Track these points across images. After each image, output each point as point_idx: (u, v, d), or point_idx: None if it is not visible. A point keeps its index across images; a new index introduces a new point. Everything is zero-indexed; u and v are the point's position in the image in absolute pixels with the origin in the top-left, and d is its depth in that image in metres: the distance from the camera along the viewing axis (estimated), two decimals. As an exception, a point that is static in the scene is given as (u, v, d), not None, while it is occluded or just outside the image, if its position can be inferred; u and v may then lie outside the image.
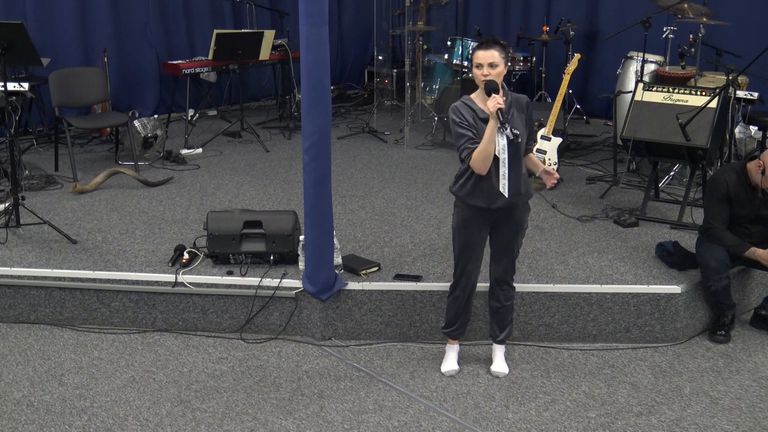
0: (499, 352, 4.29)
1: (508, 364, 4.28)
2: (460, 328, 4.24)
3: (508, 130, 3.70)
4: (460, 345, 4.35)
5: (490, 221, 3.99)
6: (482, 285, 4.34)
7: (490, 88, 3.70)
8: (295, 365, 4.34)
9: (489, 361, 4.30)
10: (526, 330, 4.57)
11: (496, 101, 3.64)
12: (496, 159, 3.77)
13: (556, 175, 3.97)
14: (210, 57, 7.95)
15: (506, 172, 3.77)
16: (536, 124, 6.44)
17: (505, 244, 4.06)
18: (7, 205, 5.44)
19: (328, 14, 4.13)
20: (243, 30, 8.87)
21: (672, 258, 4.82)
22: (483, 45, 3.77)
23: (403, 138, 7.95)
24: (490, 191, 3.84)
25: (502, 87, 3.78)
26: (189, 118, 8.08)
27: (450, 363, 4.27)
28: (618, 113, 6.90)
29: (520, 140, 3.75)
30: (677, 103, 5.67)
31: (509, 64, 3.84)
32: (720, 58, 6.56)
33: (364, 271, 4.68)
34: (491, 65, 3.71)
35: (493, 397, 4.04)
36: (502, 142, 3.74)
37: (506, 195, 3.80)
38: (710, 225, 4.61)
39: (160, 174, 6.73)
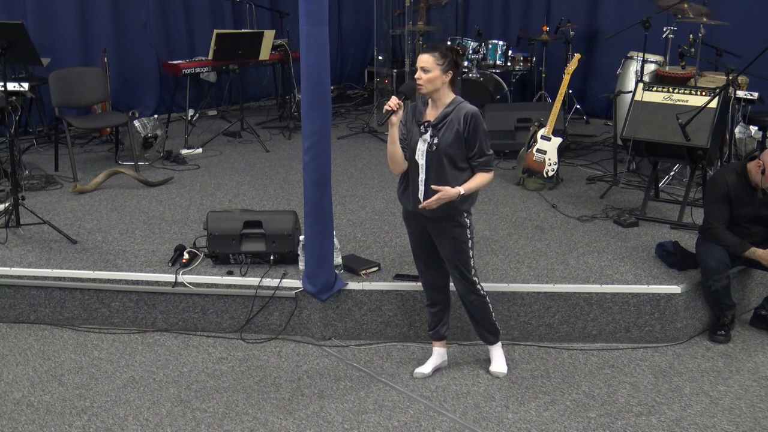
0: (494, 351, 4.27)
1: (507, 364, 4.27)
2: (436, 328, 4.20)
3: (426, 136, 3.79)
4: (447, 349, 4.30)
5: (423, 227, 3.98)
6: (487, 285, 4.32)
7: (399, 91, 3.82)
8: (295, 365, 4.34)
9: (489, 361, 4.29)
10: (526, 330, 4.57)
11: (387, 103, 3.73)
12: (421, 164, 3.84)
13: (431, 202, 3.73)
14: (210, 57, 7.95)
15: (423, 178, 3.83)
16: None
17: (445, 258, 4.00)
18: (7, 205, 5.44)
19: (328, 14, 4.14)
20: (243, 30, 8.86)
21: (672, 258, 4.82)
22: (424, 49, 3.83)
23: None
24: (413, 195, 3.88)
25: (456, 97, 3.83)
26: (189, 118, 8.08)
27: (424, 366, 4.22)
28: (618, 113, 6.90)
29: (434, 149, 3.76)
30: (677, 103, 5.67)
31: (452, 71, 3.75)
32: (720, 58, 6.56)
33: (364, 271, 4.68)
34: (423, 69, 3.74)
35: (493, 397, 4.04)
36: (422, 148, 3.81)
37: (421, 201, 3.84)
38: (710, 225, 4.61)
39: (160, 174, 6.73)
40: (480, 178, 3.83)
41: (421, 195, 3.85)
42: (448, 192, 3.74)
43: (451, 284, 4.14)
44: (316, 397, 4.04)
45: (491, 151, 3.84)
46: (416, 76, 3.76)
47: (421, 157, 3.81)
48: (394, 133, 3.80)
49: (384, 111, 3.75)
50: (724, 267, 4.50)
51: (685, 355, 4.47)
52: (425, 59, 3.73)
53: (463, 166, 3.82)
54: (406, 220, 4.08)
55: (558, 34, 8.31)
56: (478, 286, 4.04)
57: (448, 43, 8.40)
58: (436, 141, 3.76)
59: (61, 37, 8.09)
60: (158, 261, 4.89)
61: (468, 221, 3.92)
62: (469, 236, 3.93)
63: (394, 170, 3.93)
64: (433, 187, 3.75)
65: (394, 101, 3.72)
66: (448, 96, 3.81)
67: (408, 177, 3.91)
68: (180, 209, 5.89)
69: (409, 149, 3.85)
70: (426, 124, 3.81)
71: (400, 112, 3.77)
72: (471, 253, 3.95)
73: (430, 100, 3.85)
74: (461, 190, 3.76)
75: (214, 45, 7.76)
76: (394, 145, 3.82)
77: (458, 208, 3.85)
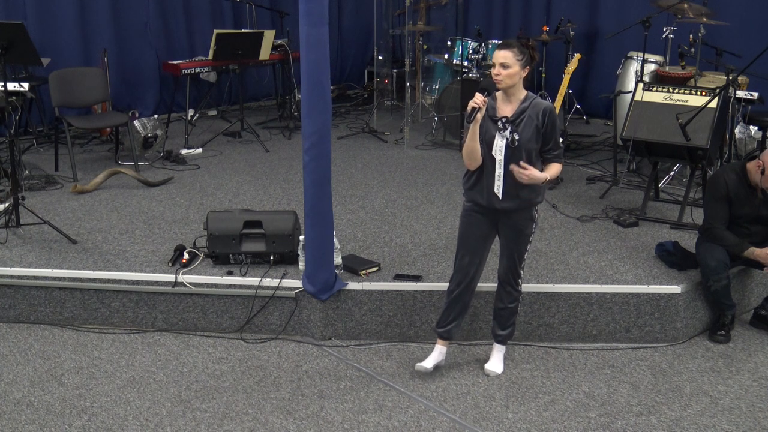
0: (497, 351, 4.28)
1: (506, 364, 4.28)
2: (449, 327, 4.18)
3: (506, 132, 3.78)
4: (448, 348, 4.29)
5: (491, 220, 3.99)
6: (487, 285, 4.35)
7: (481, 87, 3.78)
8: (295, 365, 4.34)
9: (488, 360, 4.29)
10: (526, 330, 4.57)
11: (472, 100, 3.70)
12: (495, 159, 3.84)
13: (524, 174, 3.74)
14: (210, 57, 7.95)
15: (501, 173, 3.83)
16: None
17: (504, 247, 4.07)
18: (7, 205, 5.44)
19: (328, 14, 4.14)
20: (243, 30, 8.87)
21: (672, 258, 4.82)
22: (500, 45, 3.83)
23: (403, 138, 7.95)
24: (488, 190, 3.88)
25: (528, 92, 3.84)
26: (189, 118, 8.08)
27: (426, 361, 4.21)
28: (618, 113, 6.90)
29: (515, 144, 3.77)
30: (677, 103, 5.67)
31: (528, 66, 3.78)
32: (720, 58, 6.56)
33: (364, 271, 4.68)
34: (503, 65, 3.74)
35: (493, 397, 4.04)
36: (500, 143, 3.81)
37: (499, 196, 3.85)
38: (710, 225, 4.61)
39: (160, 174, 6.73)
40: (556, 168, 3.92)
41: (497, 190, 3.85)
42: (536, 174, 3.77)
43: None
44: (316, 397, 4.04)
45: (561, 144, 3.94)
46: (495, 71, 3.75)
47: (499, 153, 3.81)
48: (476, 130, 3.78)
49: (469, 109, 3.72)
50: (724, 267, 4.50)
51: (685, 355, 4.47)
52: (504, 55, 3.73)
53: (535, 160, 3.86)
54: (469, 214, 4.02)
55: (558, 34, 8.30)
56: (520, 280, 4.11)
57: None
58: (517, 137, 3.78)
59: (61, 37, 8.09)
60: (158, 261, 4.89)
61: (537, 215, 4.01)
62: (533, 230, 4.02)
63: (469, 166, 3.91)
64: (521, 163, 3.76)
65: (479, 98, 3.70)
66: (522, 91, 3.84)
67: (479, 171, 3.90)
68: (180, 209, 5.89)
69: (484, 145, 3.84)
70: (504, 120, 3.81)
71: (485, 109, 3.77)
72: (529, 247, 4.05)
73: (500, 95, 3.85)
74: (547, 175, 3.83)
75: (214, 45, 7.76)
76: (475, 142, 3.80)
77: (534, 200, 3.93)
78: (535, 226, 4.03)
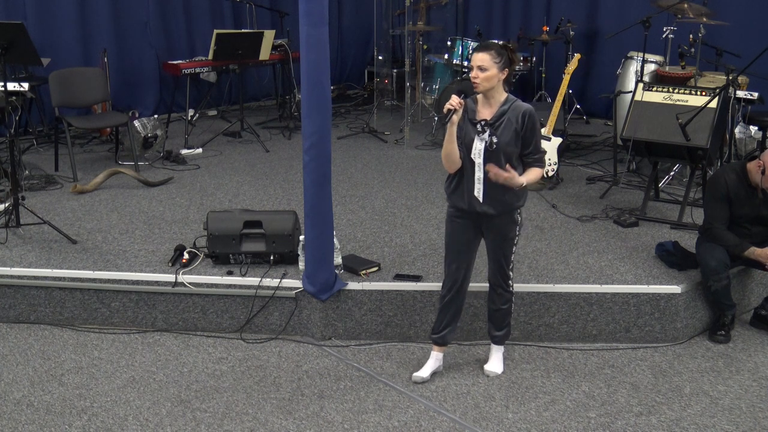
0: (496, 352, 4.28)
1: (506, 364, 4.28)
2: (443, 332, 4.15)
3: (485, 135, 3.77)
4: (445, 353, 4.26)
5: (474, 224, 3.97)
6: (487, 285, 4.34)
7: (458, 90, 3.77)
8: (295, 365, 4.34)
9: (488, 361, 4.29)
10: (526, 330, 4.57)
11: (448, 102, 3.69)
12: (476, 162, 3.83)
13: (500, 174, 3.71)
14: (210, 57, 7.95)
15: (481, 176, 3.82)
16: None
17: (490, 250, 4.05)
18: (7, 205, 5.44)
19: (328, 14, 4.14)
20: (243, 30, 8.87)
21: (672, 258, 4.82)
22: (477, 47, 3.81)
23: (403, 138, 7.95)
24: (469, 194, 3.87)
25: (509, 95, 3.82)
26: (189, 118, 8.08)
27: (422, 370, 4.19)
28: (618, 113, 6.90)
29: (494, 147, 3.75)
30: (677, 103, 5.67)
31: (507, 69, 3.76)
32: (720, 58, 6.56)
33: (364, 271, 4.68)
34: (480, 68, 3.72)
35: (493, 397, 4.04)
36: (479, 146, 3.79)
37: (480, 199, 3.83)
38: (710, 225, 4.61)
39: (160, 174, 6.73)
40: (535, 173, 3.86)
41: (478, 193, 3.83)
42: (514, 177, 3.74)
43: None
44: (316, 397, 4.04)
45: (543, 148, 3.91)
46: (472, 74, 3.73)
47: (478, 156, 3.80)
48: (453, 132, 3.77)
49: (445, 110, 3.71)
50: (724, 267, 4.50)
51: (685, 355, 4.47)
52: (482, 57, 3.71)
53: (516, 164, 3.83)
54: (452, 219, 4.01)
55: (558, 34, 8.32)
56: (510, 281, 4.09)
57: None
58: (495, 140, 3.76)
59: (61, 37, 8.08)
60: (158, 261, 4.89)
61: (520, 218, 3.98)
62: (518, 232, 4.00)
63: (448, 169, 3.90)
64: (507, 167, 3.73)
65: (455, 100, 3.69)
66: (503, 94, 3.82)
67: (459, 175, 3.89)
68: (180, 209, 5.89)
69: (463, 148, 3.82)
70: (483, 122, 3.79)
71: (461, 111, 3.75)
72: (514, 249, 4.03)
73: (480, 98, 3.83)
74: (523, 180, 3.78)
75: (214, 45, 7.76)
76: (452, 144, 3.79)
77: (515, 204, 3.90)
78: (519, 229, 3.99)
